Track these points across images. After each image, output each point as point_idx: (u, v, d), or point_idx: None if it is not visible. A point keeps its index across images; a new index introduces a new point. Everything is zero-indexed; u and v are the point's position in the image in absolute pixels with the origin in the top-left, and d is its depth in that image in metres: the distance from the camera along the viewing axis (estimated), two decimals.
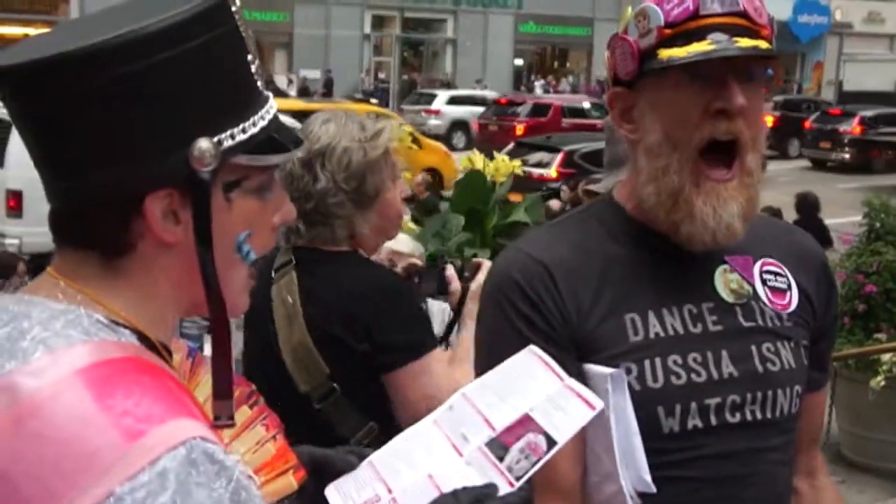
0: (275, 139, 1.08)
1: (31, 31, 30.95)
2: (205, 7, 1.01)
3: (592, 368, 1.48)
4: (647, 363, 1.51)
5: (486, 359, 1.46)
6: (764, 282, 1.63)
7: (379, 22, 38.12)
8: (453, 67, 38.53)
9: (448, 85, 35.02)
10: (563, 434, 1.25)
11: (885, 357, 5.88)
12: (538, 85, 37.28)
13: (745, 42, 1.45)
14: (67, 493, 0.88)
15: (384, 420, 2.12)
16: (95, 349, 0.96)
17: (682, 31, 1.46)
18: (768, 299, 1.62)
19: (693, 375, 1.52)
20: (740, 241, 1.55)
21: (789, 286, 1.65)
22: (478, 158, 4.33)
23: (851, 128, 23.07)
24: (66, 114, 0.99)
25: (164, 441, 0.91)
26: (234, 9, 1.05)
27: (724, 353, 1.55)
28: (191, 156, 1.00)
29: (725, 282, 1.60)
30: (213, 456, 0.93)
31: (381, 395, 2.16)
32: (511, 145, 16.63)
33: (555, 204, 10.91)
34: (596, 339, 1.50)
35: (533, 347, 1.39)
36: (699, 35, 1.46)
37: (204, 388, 1.15)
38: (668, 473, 1.48)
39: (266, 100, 1.09)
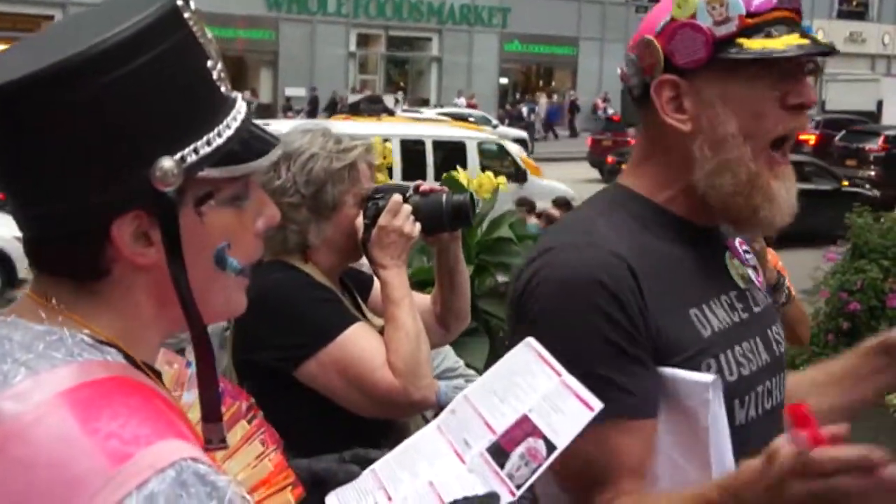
0: (246, 145, 1.03)
1: None
2: (153, 19, 0.96)
3: (685, 376, 1.40)
4: (722, 357, 1.46)
5: (572, 370, 1.34)
6: (744, 261, 1.64)
7: (364, 40, 38.18)
8: (438, 85, 38.61)
9: (426, 102, 35.10)
10: (562, 438, 1.25)
11: None
12: (524, 105, 37.39)
13: (821, 39, 1.46)
14: None
15: (291, 437, 2.09)
16: (80, 370, 0.94)
17: (762, 21, 1.44)
18: (755, 279, 1.63)
19: (751, 364, 1.51)
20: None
21: (756, 264, 1.68)
22: (461, 174, 4.29)
23: (878, 146, 23.26)
24: (19, 142, 0.95)
25: (152, 463, 0.88)
26: (187, 15, 1.00)
27: (758, 340, 1.55)
28: (153, 176, 0.96)
29: (734, 268, 1.60)
30: (205, 477, 0.90)
31: (287, 410, 2.07)
32: None
33: (554, 212, 10.91)
34: (673, 339, 1.42)
35: (530, 340, 1.37)
36: (778, 26, 1.44)
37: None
38: None
39: (233, 104, 1.04)
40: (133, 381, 0.98)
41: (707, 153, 1.47)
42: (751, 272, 1.63)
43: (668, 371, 1.40)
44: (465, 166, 14.39)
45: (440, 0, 37.64)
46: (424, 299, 2.45)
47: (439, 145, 14.19)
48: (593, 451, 1.35)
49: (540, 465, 1.23)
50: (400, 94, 34.03)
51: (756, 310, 1.59)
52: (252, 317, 2.11)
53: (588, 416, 1.26)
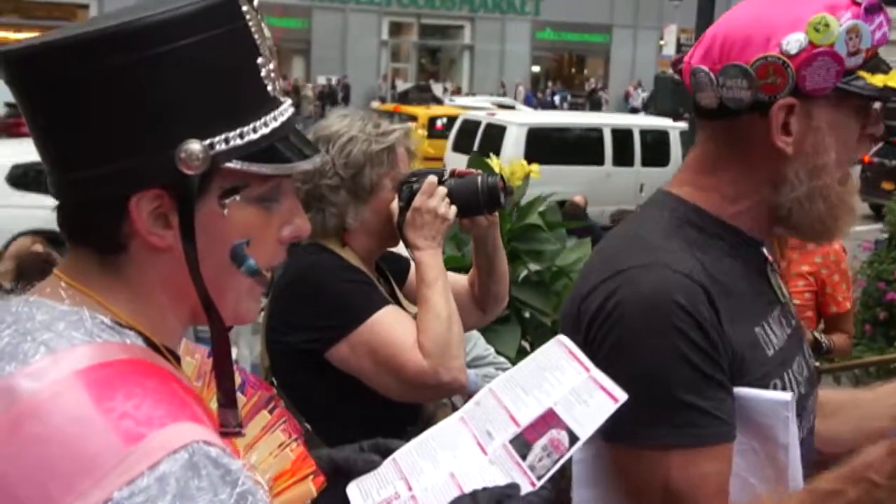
0: (283, 148, 1.04)
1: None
2: (207, 5, 0.98)
3: (763, 396, 1.39)
4: (785, 376, 1.46)
5: (656, 395, 1.34)
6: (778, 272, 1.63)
7: (396, 28, 38.21)
8: (470, 74, 38.55)
9: (458, 91, 35.10)
10: (586, 429, 1.24)
11: None
12: (556, 95, 37.23)
13: None
14: (65, 497, 0.86)
15: (321, 421, 2.11)
16: (98, 351, 0.95)
17: (874, 54, 1.44)
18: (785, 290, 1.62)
19: (803, 382, 1.51)
20: None
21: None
22: (494, 162, 4.28)
23: None
24: (53, 105, 0.97)
25: (164, 445, 0.89)
26: (245, 8, 1.01)
27: (801, 356, 1.55)
28: (178, 157, 0.96)
29: (775, 281, 1.59)
30: (217, 460, 0.91)
31: (318, 393, 2.16)
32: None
33: (579, 199, 10.85)
34: (744, 360, 1.41)
35: (561, 337, 1.37)
36: (879, 58, 1.44)
37: None
38: None
39: (277, 105, 1.05)
40: (150, 365, 0.98)
41: (802, 177, 1.45)
42: (783, 284, 1.62)
43: (744, 391, 1.39)
44: (668, 154, 15.09)
45: None
46: (461, 280, 2.46)
47: (645, 134, 15.18)
48: (680, 477, 1.34)
49: (562, 456, 1.22)
50: (449, 84, 34.27)
51: (794, 323, 1.59)
52: (286, 299, 2.17)
53: (612, 408, 1.25)
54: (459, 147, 14.72)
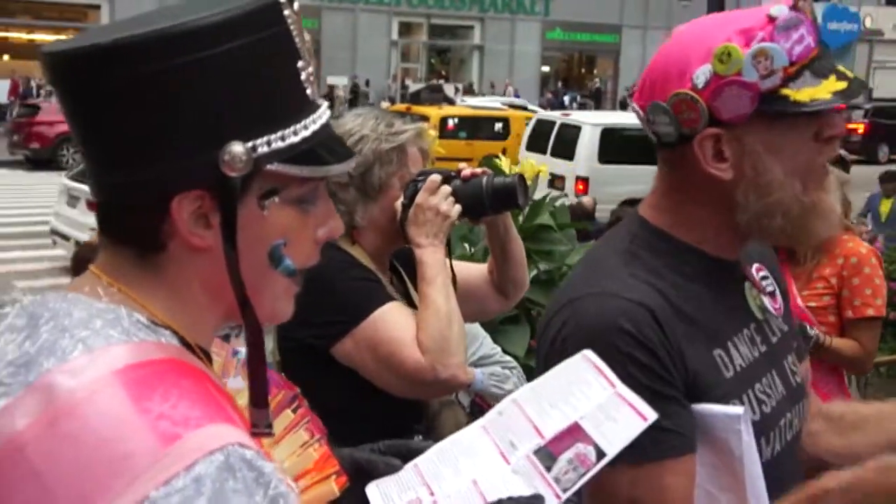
0: (321, 150, 1.05)
1: (62, 38, 31.17)
2: (249, 9, 0.99)
3: (716, 410, 1.40)
4: (745, 397, 1.47)
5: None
6: (762, 289, 1.61)
7: (406, 29, 38.20)
8: (480, 74, 38.53)
9: (471, 91, 35.08)
10: (614, 446, 1.23)
11: None
12: (566, 95, 37.18)
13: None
14: (101, 497, 0.87)
15: (327, 418, 2.12)
16: (134, 350, 0.95)
17: (801, 66, 1.40)
18: (771, 307, 1.61)
19: (770, 400, 1.51)
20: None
21: (775, 288, 1.64)
22: (504, 161, 4.28)
23: None
24: (97, 106, 0.98)
25: (201, 446, 0.89)
26: (286, 12, 1.02)
27: (774, 373, 1.55)
28: (221, 160, 0.97)
29: (752, 299, 1.58)
30: (251, 462, 0.91)
31: (325, 390, 2.14)
32: None
33: (587, 201, 10.78)
34: (698, 382, 1.42)
35: (587, 352, 1.36)
36: (814, 65, 1.41)
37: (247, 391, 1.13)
38: None
39: (315, 109, 1.06)
40: (186, 364, 0.98)
41: (752, 198, 1.44)
42: (766, 300, 1.60)
43: (698, 406, 1.41)
44: None
45: None
46: (481, 268, 2.49)
47: None
48: (643, 493, 1.35)
49: (588, 471, 1.22)
50: (461, 84, 34.34)
51: (773, 340, 1.58)
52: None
53: (641, 426, 1.25)
54: (533, 147, 14.85)
